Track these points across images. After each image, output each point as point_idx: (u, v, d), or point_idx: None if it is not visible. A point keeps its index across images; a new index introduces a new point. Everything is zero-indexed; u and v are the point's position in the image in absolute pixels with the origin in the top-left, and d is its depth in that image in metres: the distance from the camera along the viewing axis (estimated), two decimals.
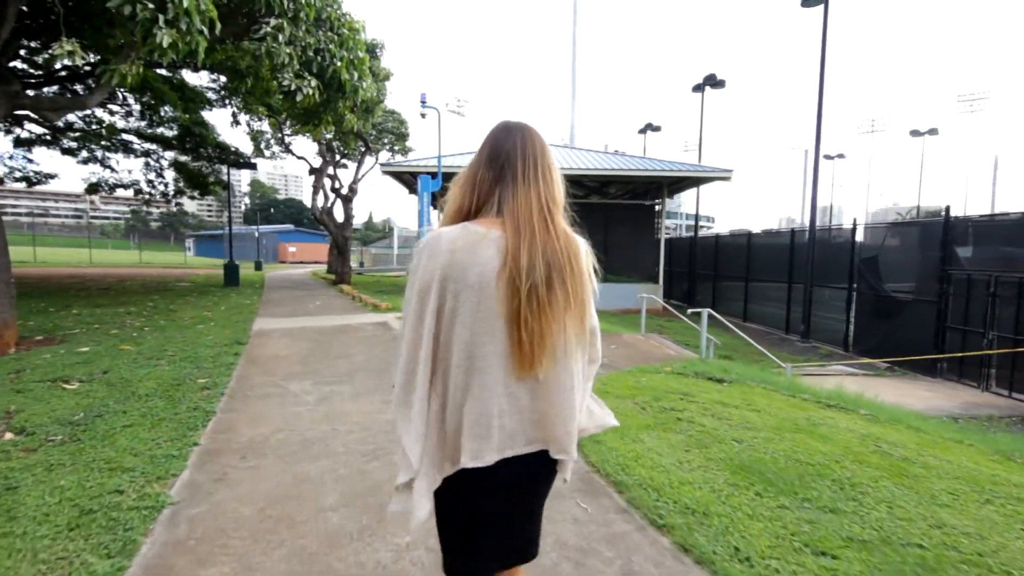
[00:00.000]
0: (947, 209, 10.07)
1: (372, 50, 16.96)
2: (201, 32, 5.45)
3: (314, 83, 7.74)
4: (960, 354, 9.42)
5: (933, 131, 37.29)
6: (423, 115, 11.21)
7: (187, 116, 11.21)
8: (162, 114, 18.51)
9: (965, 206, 78.93)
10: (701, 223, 24.14)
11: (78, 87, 12.83)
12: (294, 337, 7.69)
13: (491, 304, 1.15)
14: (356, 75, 8.85)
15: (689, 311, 10.36)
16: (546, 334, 1.16)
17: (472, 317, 1.16)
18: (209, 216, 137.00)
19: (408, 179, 17.78)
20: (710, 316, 8.41)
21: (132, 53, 5.60)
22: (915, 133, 38.12)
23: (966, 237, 9.88)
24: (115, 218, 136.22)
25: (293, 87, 7.52)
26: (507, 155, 1.25)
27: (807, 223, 14.63)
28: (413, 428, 1.18)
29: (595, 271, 1.30)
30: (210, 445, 3.53)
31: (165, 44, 5.06)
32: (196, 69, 14.63)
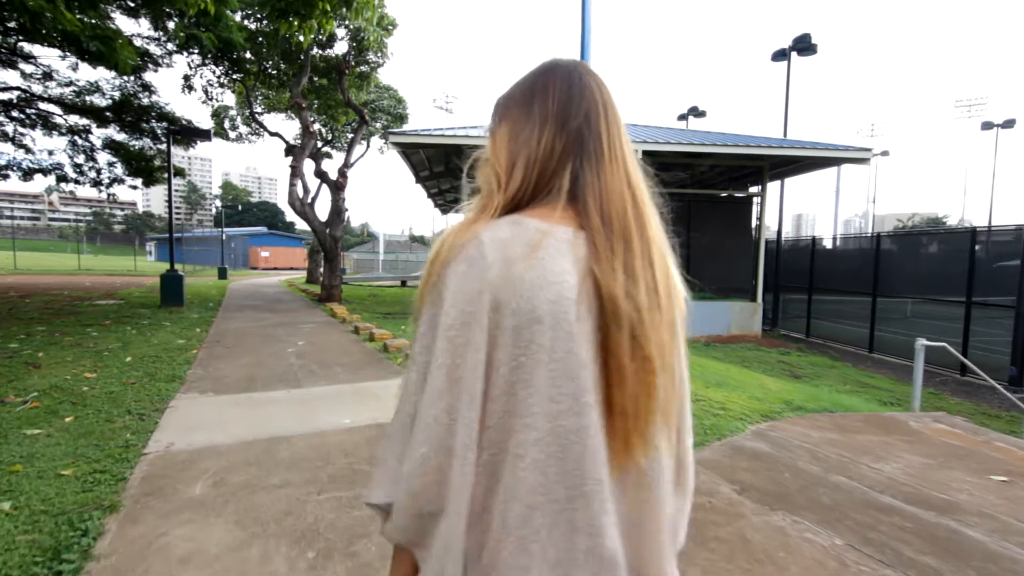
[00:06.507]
0: None
1: None
2: None
3: None
4: None
5: (1009, 123, 33.43)
6: None
7: (70, 18, 6.38)
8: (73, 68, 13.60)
9: (963, 215, 76.23)
10: None
11: None
12: (244, 543, 2.92)
13: (573, 348, 0.62)
14: None
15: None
16: (653, 395, 0.64)
17: (546, 373, 0.61)
18: (177, 218, 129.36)
19: (422, 158, 13.04)
20: (827, 345, 4.01)
21: None
22: (987, 125, 34.18)
23: None
24: (76, 220, 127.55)
25: None
26: (586, 114, 0.70)
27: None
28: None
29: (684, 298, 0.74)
30: None
31: None
32: None
